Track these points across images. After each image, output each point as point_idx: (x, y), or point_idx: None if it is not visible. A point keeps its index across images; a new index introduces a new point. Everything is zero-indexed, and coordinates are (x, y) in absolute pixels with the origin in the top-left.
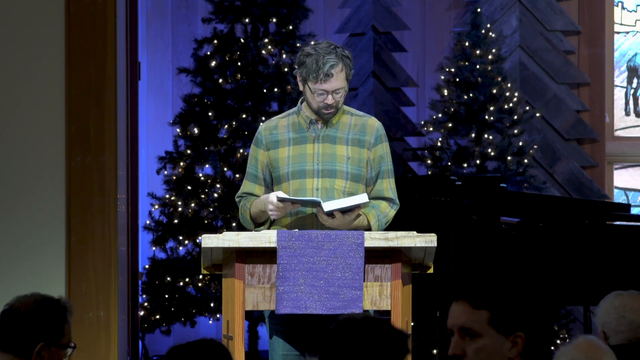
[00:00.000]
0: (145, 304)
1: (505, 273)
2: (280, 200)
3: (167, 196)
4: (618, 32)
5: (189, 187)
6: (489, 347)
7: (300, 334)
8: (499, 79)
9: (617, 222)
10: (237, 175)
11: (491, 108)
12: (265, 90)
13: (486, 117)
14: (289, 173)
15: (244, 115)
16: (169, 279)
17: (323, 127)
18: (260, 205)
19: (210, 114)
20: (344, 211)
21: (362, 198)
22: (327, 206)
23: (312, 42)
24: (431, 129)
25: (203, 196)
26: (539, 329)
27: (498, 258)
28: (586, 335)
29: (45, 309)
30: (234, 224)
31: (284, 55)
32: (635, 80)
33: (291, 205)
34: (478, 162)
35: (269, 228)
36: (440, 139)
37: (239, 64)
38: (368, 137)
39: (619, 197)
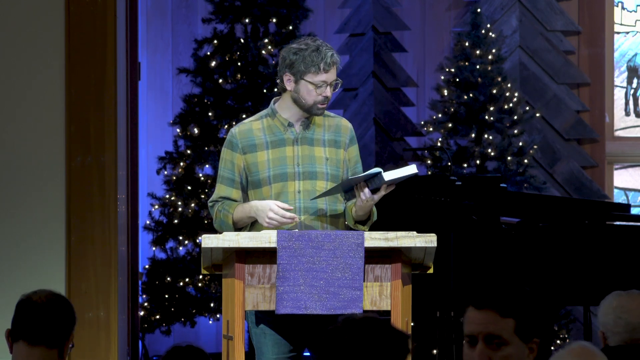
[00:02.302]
0: (145, 304)
1: (505, 273)
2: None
3: (167, 196)
4: (618, 32)
5: (189, 187)
6: (514, 355)
7: (290, 336)
8: (499, 79)
9: (617, 222)
10: None
11: (491, 108)
12: (265, 90)
13: (486, 117)
14: (270, 177)
15: (244, 116)
16: (169, 279)
17: (300, 130)
18: (247, 211)
19: (210, 114)
20: (373, 190)
21: (413, 169)
22: (388, 176)
23: (295, 42)
24: (431, 129)
25: (203, 196)
26: (548, 332)
27: (498, 258)
28: (580, 341)
29: (65, 300)
30: None
31: None
32: (635, 80)
33: (291, 221)
34: (478, 162)
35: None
36: (440, 139)
37: (239, 64)
38: (343, 137)
39: (619, 197)
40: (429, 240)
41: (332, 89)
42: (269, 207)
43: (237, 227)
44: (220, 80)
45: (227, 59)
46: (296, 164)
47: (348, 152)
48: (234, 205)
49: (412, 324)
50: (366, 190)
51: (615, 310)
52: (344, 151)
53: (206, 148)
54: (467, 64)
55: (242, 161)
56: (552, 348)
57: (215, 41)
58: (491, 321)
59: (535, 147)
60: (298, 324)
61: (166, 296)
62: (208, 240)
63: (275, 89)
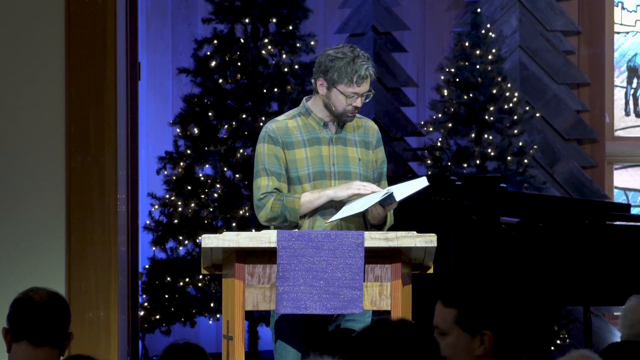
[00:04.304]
0: (145, 304)
1: (505, 273)
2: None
3: (167, 196)
4: (618, 32)
5: (189, 187)
6: (455, 345)
7: (313, 339)
8: (499, 79)
9: (617, 222)
10: (237, 176)
11: (491, 108)
12: (265, 90)
13: (486, 117)
14: (310, 174)
15: (244, 116)
16: (169, 279)
17: (335, 130)
18: (318, 192)
19: (210, 114)
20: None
21: (423, 182)
22: (399, 195)
23: (333, 48)
24: (431, 129)
25: (203, 196)
26: (532, 328)
27: (498, 258)
28: (581, 349)
29: (63, 299)
30: (234, 224)
31: (284, 56)
32: (635, 80)
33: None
34: (478, 162)
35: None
36: (440, 139)
37: (239, 64)
38: (371, 138)
39: (619, 197)
40: (429, 240)
41: (363, 99)
42: (355, 185)
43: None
44: (220, 80)
45: (227, 59)
46: (332, 164)
47: (375, 153)
48: (299, 192)
49: None
50: (378, 207)
51: (624, 309)
52: (372, 152)
53: (206, 148)
54: (467, 64)
55: (283, 155)
56: (552, 348)
57: (215, 41)
58: (437, 311)
59: (535, 147)
60: (322, 326)
61: (166, 296)
62: (208, 240)
63: (275, 89)
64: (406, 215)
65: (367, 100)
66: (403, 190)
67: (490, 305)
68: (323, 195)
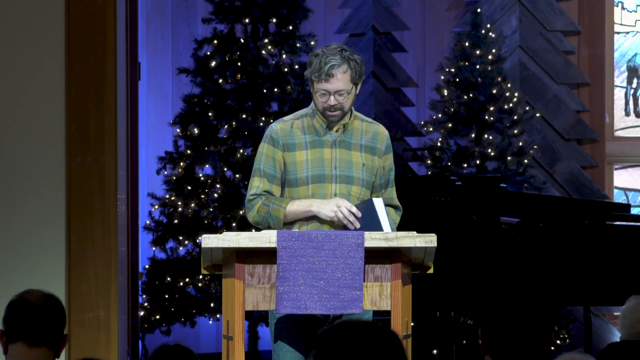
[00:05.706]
0: (145, 304)
1: (505, 273)
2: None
3: (167, 196)
4: (618, 32)
5: (189, 187)
6: None
7: (311, 340)
8: (499, 79)
9: (617, 222)
10: (237, 176)
11: (491, 108)
12: (265, 91)
13: (486, 117)
14: (308, 177)
15: (244, 116)
16: (169, 279)
17: (339, 133)
18: (306, 206)
19: (210, 114)
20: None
21: (379, 203)
22: (387, 229)
23: (325, 47)
24: (431, 129)
25: (203, 196)
26: (532, 328)
27: (498, 258)
28: (571, 353)
29: (58, 300)
30: (234, 224)
31: (284, 56)
32: (635, 81)
33: (351, 223)
34: (478, 162)
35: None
36: (440, 139)
37: (239, 64)
38: (380, 145)
39: (619, 197)
40: (429, 240)
41: (338, 97)
42: (338, 204)
43: (285, 223)
44: (220, 80)
45: (227, 59)
46: (333, 167)
47: (383, 160)
48: (286, 200)
49: (412, 324)
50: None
51: (623, 310)
52: (379, 159)
53: (206, 148)
54: (467, 64)
55: (281, 158)
56: (552, 348)
57: (215, 41)
58: None
59: (535, 147)
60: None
61: (166, 296)
62: (208, 240)
63: (275, 89)
64: (406, 215)
65: (345, 101)
66: (386, 222)
67: (480, 302)
68: (308, 211)
